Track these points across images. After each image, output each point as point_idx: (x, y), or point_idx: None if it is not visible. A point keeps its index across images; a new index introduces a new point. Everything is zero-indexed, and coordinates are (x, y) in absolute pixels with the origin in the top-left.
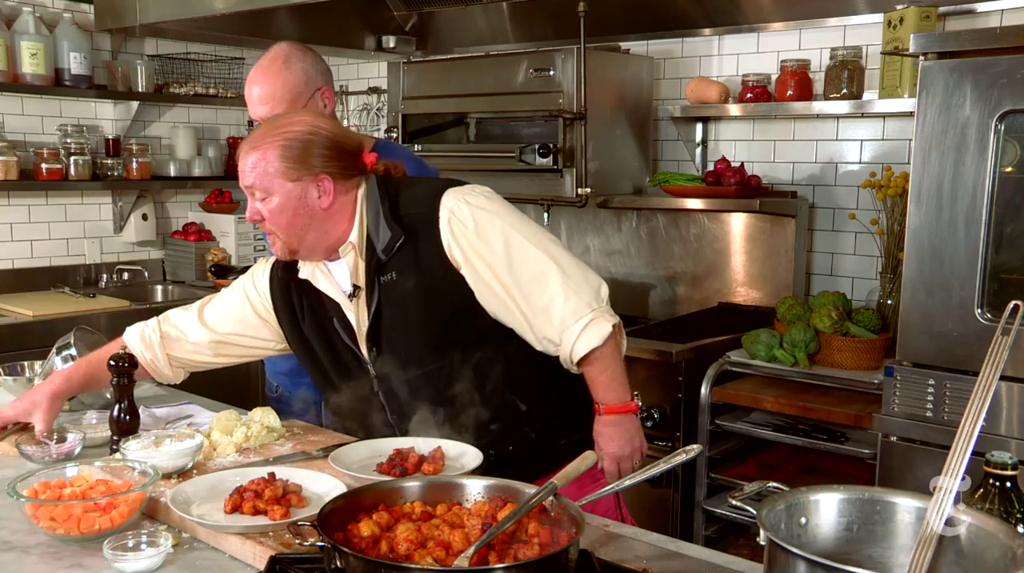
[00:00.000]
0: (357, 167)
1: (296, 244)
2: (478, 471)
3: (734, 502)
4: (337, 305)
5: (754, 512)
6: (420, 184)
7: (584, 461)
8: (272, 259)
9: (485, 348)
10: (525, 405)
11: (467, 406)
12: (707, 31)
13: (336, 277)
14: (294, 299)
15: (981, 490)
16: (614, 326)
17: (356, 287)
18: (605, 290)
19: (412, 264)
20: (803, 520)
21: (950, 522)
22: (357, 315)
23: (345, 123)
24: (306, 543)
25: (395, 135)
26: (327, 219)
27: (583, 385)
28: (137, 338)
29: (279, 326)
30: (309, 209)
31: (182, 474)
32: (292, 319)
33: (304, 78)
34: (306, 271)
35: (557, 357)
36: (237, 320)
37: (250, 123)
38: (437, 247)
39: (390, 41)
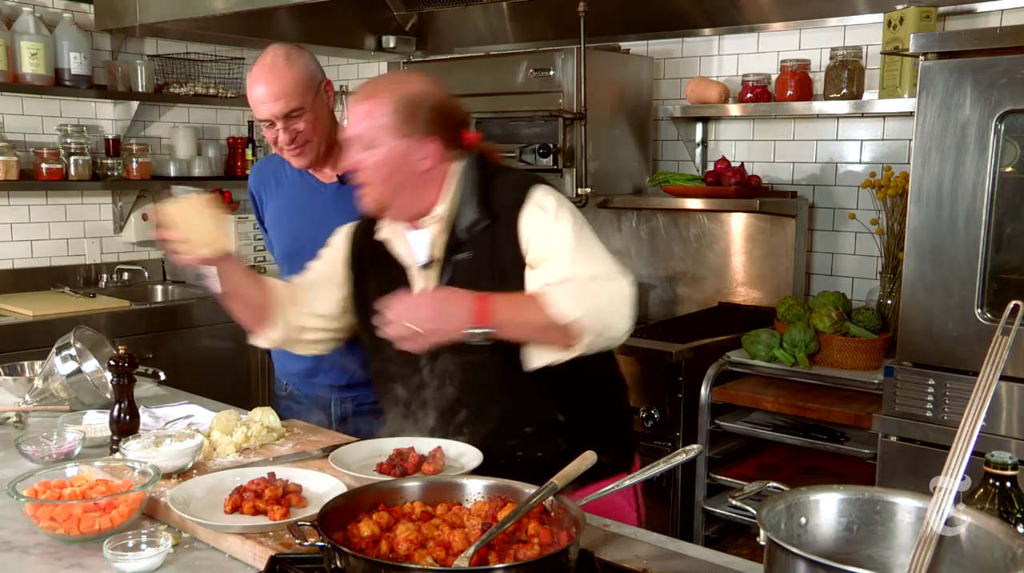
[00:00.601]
0: (460, 139)
1: (387, 201)
2: (479, 471)
3: (734, 502)
4: (404, 273)
5: (754, 512)
6: (515, 174)
7: (584, 461)
8: (355, 223)
9: None
10: (563, 416)
11: (506, 401)
12: (707, 31)
13: (412, 245)
14: (366, 258)
15: (981, 490)
16: (569, 341)
17: (432, 259)
18: (617, 328)
19: (488, 248)
20: (803, 520)
21: (950, 522)
22: (424, 287)
23: (345, 123)
24: (306, 543)
25: None
26: (423, 183)
27: (623, 406)
28: (280, 298)
29: (347, 282)
30: (409, 169)
31: (182, 474)
32: (360, 277)
33: (308, 72)
34: (386, 232)
35: (606, 375)
36: (322, 273)
37: (250, 124)
38: (514, 233)
39: (390, 41)
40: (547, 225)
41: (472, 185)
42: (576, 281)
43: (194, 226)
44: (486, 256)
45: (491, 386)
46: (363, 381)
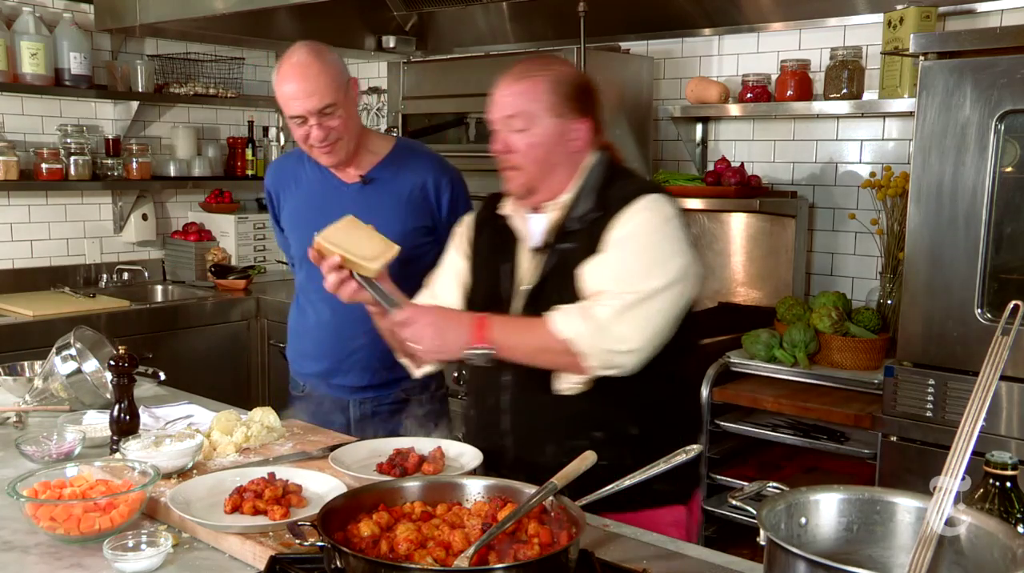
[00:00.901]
0: (602, 125)
1: (538, 182)
2: (478, 471)
3: (734, 502)
4: (515, 253)
5: (754, 512)
6: (638, 178)
7: (584, 461)
8: (487, 196)
9: None
10: (636, 429)
11: (580, 401)
12: (707, 31)
13: (531, 228)
14: (485, 233)
15: (981, 490)
16: (577, 364)
17: (545, 244)
18: (626, 351)
19: (589, 241)
20: (803, 520)
21: (950, 522)
22: (529, 270)
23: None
24: (306, 543)
25: (395, 135)
26: (570, 165)
27: (693, 433)
28: None
29: (468, 258)
30: (563, 148)
31: (182, 474)
32: (476, 250)
33: (339, 68)
34: (509, 208)
35: (683, 399)
36: (453, 274)
37: (250, 124)
38: (609, 229)
39: (390, 41)
40: (628, 227)
41: (597, 178)
42: (593, 298)
43: (356, 242)
44: (586, 249)
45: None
46: (383, 381)
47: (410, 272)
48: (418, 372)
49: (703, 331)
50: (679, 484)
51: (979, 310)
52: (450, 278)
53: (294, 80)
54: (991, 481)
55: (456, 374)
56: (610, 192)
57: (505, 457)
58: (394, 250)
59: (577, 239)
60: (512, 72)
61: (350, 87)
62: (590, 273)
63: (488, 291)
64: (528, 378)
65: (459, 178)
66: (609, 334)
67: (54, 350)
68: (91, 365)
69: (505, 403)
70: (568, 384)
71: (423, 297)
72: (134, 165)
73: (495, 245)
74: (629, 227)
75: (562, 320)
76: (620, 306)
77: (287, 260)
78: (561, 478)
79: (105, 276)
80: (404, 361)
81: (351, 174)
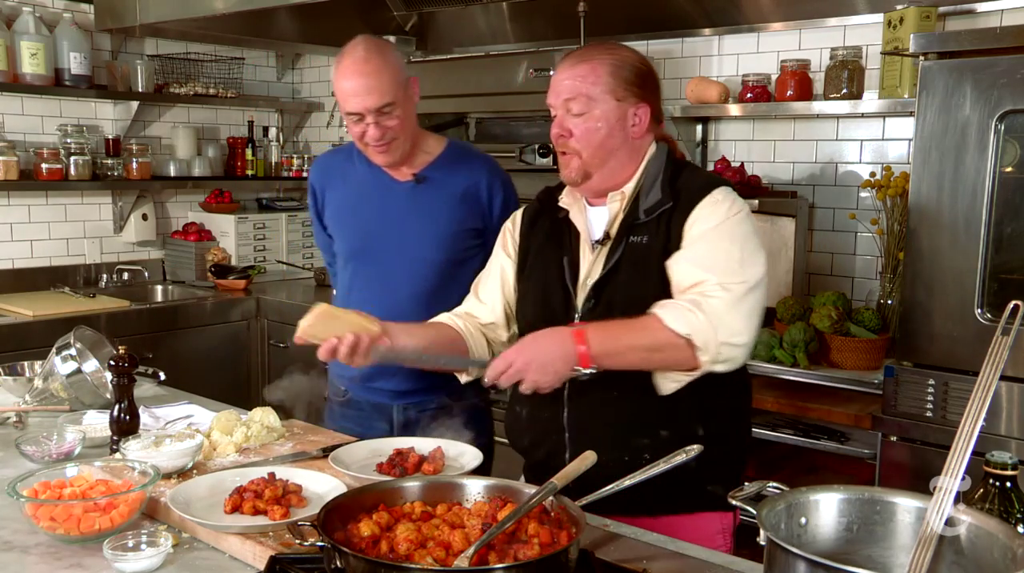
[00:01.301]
0: (662, 113)
1: (596, 167)
2: (479, 471)
3: (734, 502)
4: (574, 246)
5: (754, 512)
6: (704, 171)
7: (584, 461)
8: (528, 206)
9: None
10: (703, 430)
11: (647, 398)
12: (707, 31)
13: (591, 220)
14: (537, 228)
15: (981, 490)
16: (689, 359)
17: (607, 235)
18: (735, 343)
19: (664, 233)
20: (803, 520)
21: (950, 522)
22: (592, 263)
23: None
24: (306, 543)
25: None
26: (628, 152)
27: (747, 442)
28: (462, 325)
29: (515, 257)
30: (623, 133)
31: (182, 474)
32: (524, 249)
33: (400, 66)
34: (568, 200)
35: (746, 405)
36: (498, 276)
37: (250, 124)
38: (685, 221)
39: (390, 41)
40: (713, 219)
41: (662, 168)
42: (697, 290)
43: (332, 326)
44: (660, 242)
45: (634, 377)
46: (427, 386)
47: (459, 275)
48: (465, 377)
49: None
50: (732, 488)
51: (979, 310)
52: (495, 281)
53: (353, 77)
54: (991, 481)
55: None
56: (679, 184)
57: (560, 457)
58: (377, 326)
59: (647, 231)
60: (572, 55)
61: (410, 86)
62: (683, 265)
63: (546, 286)
64: (589, 384)
65: (510, 181)
66: (725, 326)
67: (54, 350)
68: (91, 365)
69: (565, 402)
70: (674, 383)
71: (469, 304)
72: (134, 165)
73: (551, 238)
74: (715, 218)
75: (672, 316)
76: (731, 298)
77: (325, 258)
78: (561, 478)
79: (105, 276)
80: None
81: (404, 172)
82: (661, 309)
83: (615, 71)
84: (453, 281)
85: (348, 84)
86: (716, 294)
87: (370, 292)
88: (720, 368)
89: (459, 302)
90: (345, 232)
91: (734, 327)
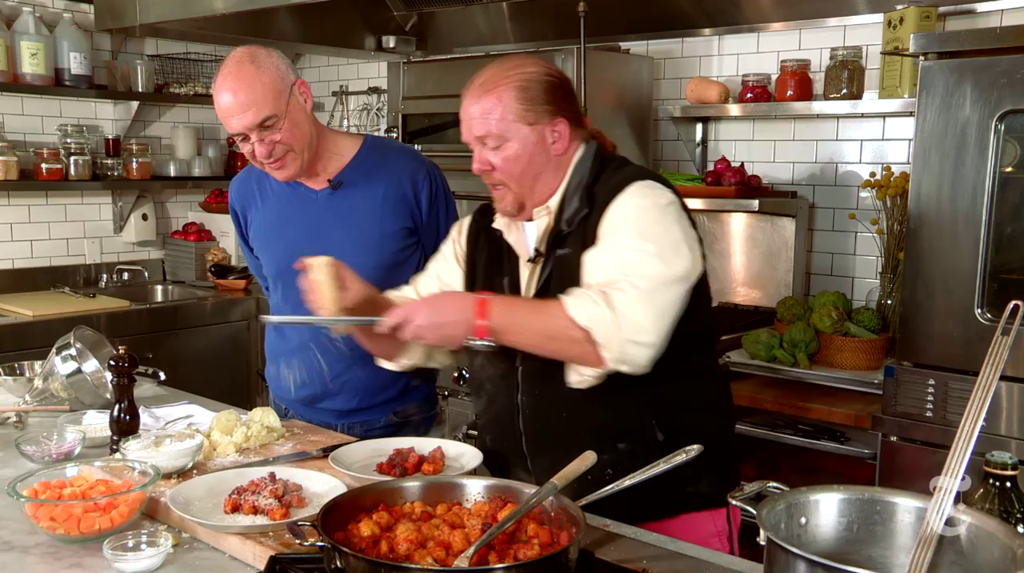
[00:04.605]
0: (581, 119)
1: (526, 196)
2: (478, 471)
3: (734, 502)
4: (513, 266)
5: (754, 512)
6: (627, 167)
7: (584, 461)
8: (477, 207)
9: None
10: (663, 435)
11: (601, 411)
12: (707, 31)
13: (527, 238)
14: (479, 246)
15: (981, 490)
16: (591, 355)
17: (538, 252)
18: (640, 343)
19: (582, 241)
20: (803, 520)
21: (950, 522)
22: (528, 282)
23: (345, 123)
24: (306, 543)
25: (395, 135)
26: (556, 168)
27: (729, 433)
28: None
29: (463, 270)
30: (545, 154)
31: (182, 474)
32: (471, 264)
33: (279, 74)
34: (501, 222)
35: (717, 395)
36: (439, 273)
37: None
38: (600, 221)
39: (390, 41)
40: (624, 215)
41: (584, 175)
42: (607, 283)
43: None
44: (581, 251)
45: (582, 394)
46: (372, 404)
47: (395, 279)
48: (394, 365)
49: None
50: (721, 485)
51: (979, 310)
52: (433, 284)
53: (226, 92)
54: (991, 481)
55: (456, 374)
56: (596, 187)
57: (524, 470)
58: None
59: (570, 243)
60: (474, 85)
61: (295, 92)
62: (591, 263)
63: None
64: (542, 397)
65: (437, 172)
66: (629, 323)
67: (54, 350)
68: (91, 365)
69: (522, 425)
70: (580, 377)
71: (402, 290)
72: (134, 165)
73: (491, 259)
74: (621, 214)
75: (576, 304)
76: (639, 294)
77: (261, 284)
78: (561, 478)
79: (105, 276)
80: (382, 362)
81: (319, 180)
82: (568, 295)
83: (521, 95)
84: (390, 286)
85: (222, 103)
86: (624, 289)
87: (304, 310)
88: (625, 369)
89: None
90: (269, 253)
91: (641, 324)
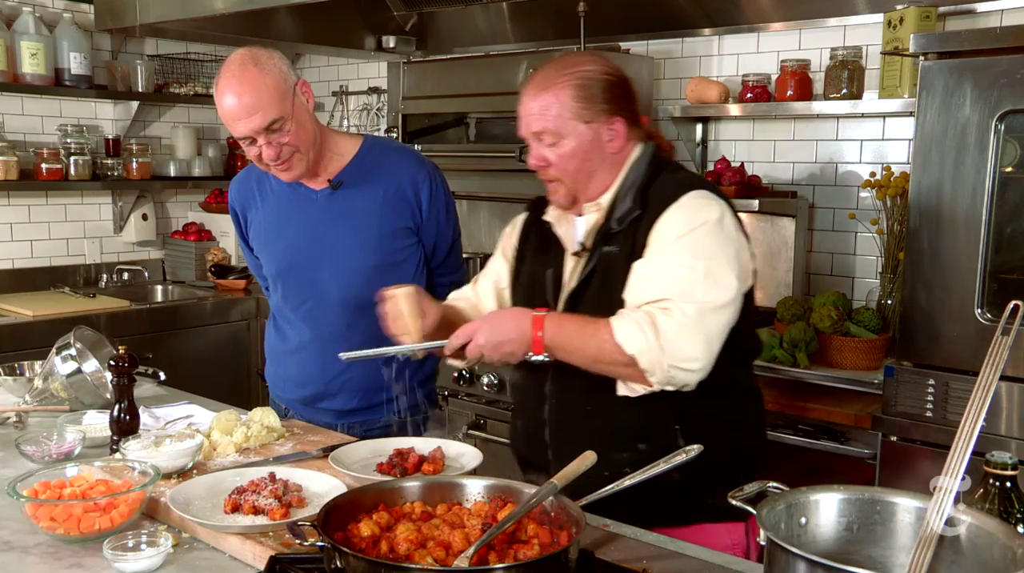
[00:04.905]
0: (639, 118)
1: (580, 191)
2: (478, 471)
3: (734, 502)
4: (559, 258)
5: (754, 512)
6: (683, 173)
7: (584, 461)
8: (532, 200)
9: None
10: (684, 441)
11: (624, 411)
12: (707, 31)
13: (576, 231)
14: (529, 237)
15: (981, 490)
16: (637, 375)
17: (583, 247)
18: (687, 367)
19: (631, 243)
20: (803, 520)
21: (950, 522)
22: (571, 274)
23: (345, 123)
24: (306, 543)
25: (395, 135)
26: (611, 166)
27: (758, 445)
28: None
29: (511, 261)
30: (600, 152)
31: (182, 474)
32: (520, 254)
33: (282, 75)
34: (552, 214)
35: (745, 404)
36: (493, 270)
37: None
38: (652, 226)
39: (390, 41)
40: (678, 228)
41: (639, 176)
42: (655, 303)
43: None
44: (627, 252)
45: (611, 392)
46: (372, 404)
47: (395, 279)
48: (461, 363)
49: None
50: (732, 507)
51: (979, 310)
52: (489, 281)
53: (232, 96)
54: (991, 481)
55: (456, 374)
56: (651, 190)
57: (548, 470)
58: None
59: (618, 242)
60: (533, 82)
61: (298, 92)
62: (642, 277)
63: (532, 297)
64: (569, 389)
65: (437, 172)
66: (676, 350)
67: (54, 350)
68: (91, 365)
69: (547, 414)
70: (628, 389)
71: (464, 291)
72: (134, 165)
73: (539, 250)
74: (675, 225)
75: (624, 330)
76: (687, 320)
77: (261, 284)
78: (561, 478)
79: (105, 276)
80: (450, 361)
81: (319, 180)
82: (618, 319)
83: (579, 93)
84: (390, 285)
85: (227, 107)
86: (673, 313)
87: (301, 313)
88: (672, 388)
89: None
90: (269, 253)
91: (688, 352)
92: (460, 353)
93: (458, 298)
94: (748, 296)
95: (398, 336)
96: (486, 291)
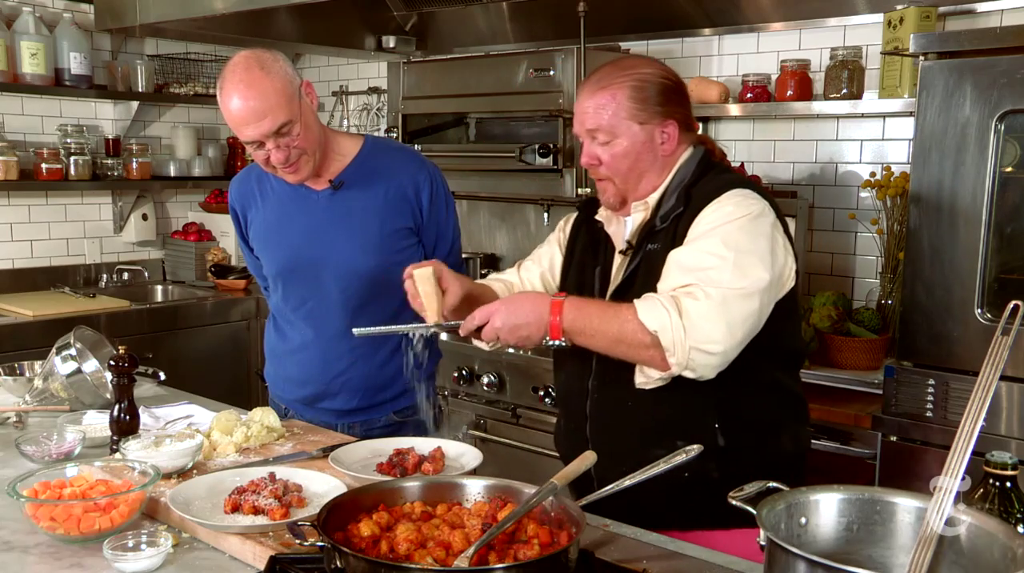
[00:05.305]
0: (692, 121)
1: (630, 191)
2: (479, 472)
3: (734, 502)
4: (608, 256)
5: (754, 512)
6: (728, 174)
7: (584, 461)
8: (585, 199)
9: None
10: (724, 440)
11: (665, 408)
12: (707, 31)
13: (626, 229)
14: (580, 234)
15: (981, 490)
16: (657, 359)
17: (629, 245)
18: (706, 350)
19: (673, 236)
20: (803, 520)
21: (950, 522)
22: (616, 272)
23: (345, 123)
24: (306, 543)
25: (395, 135)
26: (661, 168)
27: (800, 445)
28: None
29: (563, 255)
30: (652, 153)
31: (182, 474)
32: (570, 251)
33: (287, 78)
34: (603, 214)
35: (789, 404)
36: (542, 257)
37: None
38: (691, 222)
39: (390, 41)
40: (714, 221)
41: (686, 176)
42: (681, 288)
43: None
44: (668, 248)
45: (651, 389)
46: (372, 404)
47: (396, 279)
48: (488, 345)
49: None
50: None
51: (979, 310)
52: (537, 270)
53: (240, 100)
54: (991, 481)
55: (456, 374)
56: (695, 188)
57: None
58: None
59: (660, 239)
60: (591, 80)
61: (303, 94)
62: (672, 262)
63: (578, 294)
64: (609, 381)
65: (437, 172)
66: (698, 331)
67: (54, 350)
68: (91, 365)
69: (589, 409)
70: (645, 378)
71: (508, 274)
72: (134, 165)
73: (587, 247)
74: (712, 220)
75: (646, 309)
76: (712, 303)
77: (260, 284)
78: (561, 478)
79: (105, 276)
80: (477, 342)
81: (321, 180)
82: (641, 300)
83: (635, 94)
84: (390, 285)
85: (235, 111)
86: (697, 296)
87: (302, 313)
88: (690, 374)
89: (399, 306)
90: (270, 253)
91: (710, 335)
92: (477, 334)
93: (496, 279)
94: (791, 298)
95: (421, 315)
96: (532, 277)
